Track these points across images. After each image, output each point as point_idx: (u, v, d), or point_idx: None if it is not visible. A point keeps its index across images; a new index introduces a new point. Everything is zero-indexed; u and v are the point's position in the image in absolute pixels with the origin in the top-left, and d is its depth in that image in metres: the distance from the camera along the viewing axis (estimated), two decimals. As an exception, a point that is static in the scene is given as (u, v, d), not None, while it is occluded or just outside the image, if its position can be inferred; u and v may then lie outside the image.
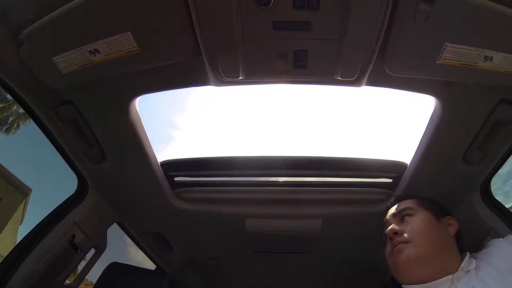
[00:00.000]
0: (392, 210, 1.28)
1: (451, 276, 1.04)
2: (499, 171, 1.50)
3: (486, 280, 1.01)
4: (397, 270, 1.12)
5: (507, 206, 1.53)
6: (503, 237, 1.22)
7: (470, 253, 1.18)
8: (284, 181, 1.85)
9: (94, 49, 1.03)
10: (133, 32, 0.99)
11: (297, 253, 2.22)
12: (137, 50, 1.03)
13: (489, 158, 1.42)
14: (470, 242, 1.24)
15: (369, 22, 0.93)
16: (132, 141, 1.44)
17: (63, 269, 1.62)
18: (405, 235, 1.13)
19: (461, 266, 1.06)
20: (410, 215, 1.20)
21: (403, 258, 1.09)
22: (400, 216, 1.22)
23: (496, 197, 1.56)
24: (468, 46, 0.99)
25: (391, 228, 1.17)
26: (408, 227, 1.16)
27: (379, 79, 1.19)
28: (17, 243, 1.52)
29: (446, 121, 1.32)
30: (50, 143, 1.45)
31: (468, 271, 1.05)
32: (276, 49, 1.05)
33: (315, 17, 0.94)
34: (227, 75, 1.13)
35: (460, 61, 1.02)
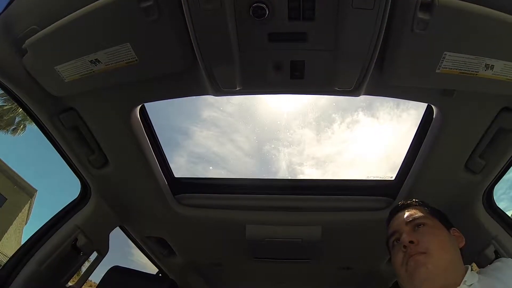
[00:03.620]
0: (403, 217, 1.23)
1: None
2: (505, 176, 1.47)
3: None
4: (411, 280, 1.08)
5: (512, 211, 1.51)
6: (505, 246, 1.21)
7: (478, 268, 1.17)
8: (284, 188, 1.85)
9: (95, 59, 1.05)
10: (132, 43, 1.01)
11: (297, 260, 2.21)
12: (136, 60, 1.05)
13: (492, 167, 1.40)
14: (472, 251, 1.21)
15: (364, 32, 0.93)
16: (134, 148, 1.46)
17: (65, 272, 1.63)
18: (421, 245, 1.10)
19: (464, 279, 1.04)
20: (423, 224, 1.17)
21: (422, 269, 1.05)
22: (412, 225, 1.18)
23: (502, 202, 1.57)
24: (468, 54, 0.98)
25: (406, 237, 1.13)
26: (425, 238, 1.12)
27: (378, 88, 1.19)
28: (21, 244, 1.54)
29: (447, 129, 1.31)
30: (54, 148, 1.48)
31: (471, 285, 1.03)
32: (272, 60, 1.06)
33: (311, 28, 0.95)
34: (225, 85, 1.14)
35: (460, 70, 1.00)
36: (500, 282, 1.01)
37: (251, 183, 1.86)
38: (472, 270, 1.10)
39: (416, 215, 1.22)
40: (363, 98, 1.22)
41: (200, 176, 1.96)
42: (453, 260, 1.09)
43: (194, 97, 1.29)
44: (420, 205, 1.27)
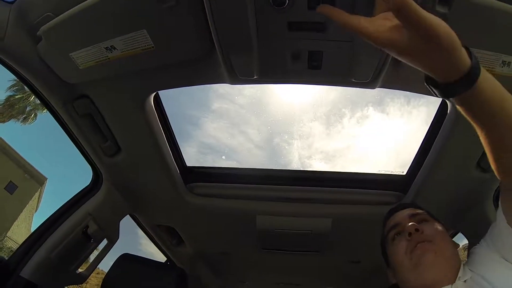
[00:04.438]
0: (406, 212, 1.24)
1: (450, 286, 1.02)
2: None
3: None
4: (416, 268, 1.07)
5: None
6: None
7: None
8: (296, 179, 1.85)
9: (110, 46, 1.05)
10: (149, 30, 1.00)
11: (306, 252, 2.22)
12: (152, 47, 1.04)
13: None
14: None
15: None
16: (147, 136, 1.47)
17: (75, 258, 1.65)
18: (427, 233, 1.10)
19: (459, 275, 1.04)
20: (426, 220, 1.17)
21: (430, 255, 1.05)
22: (416, 220, 1.18)
23: None
24: (486, 50, 0.96)
25: (412, 224, 1.13)
26: (430, 228, 1.13)
27: (394, 81, 1.18)
28: (31, 231, 1.55)
29: (460, 126, 1.29)
30: (67, 135, 1.49)
31: (465, 280, 1.03)
32: (291, 49, 1.05)
33: (330, 18, 0.94)
34: (242, 73, 1.13)
35: None
36: (480, 277, 1.01)
37: (263, 173, 1.86)
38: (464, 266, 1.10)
39: (419, 211, 1.23)
40: (375, 92, 1.21)
41: (212, 166, 1.96)
42: (454, 254, 1.10)
43: (206, 89, 1.28)
44: (420, 208, 1.27)
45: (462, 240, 1.77)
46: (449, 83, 0.71)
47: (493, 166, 0.88)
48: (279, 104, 2.12)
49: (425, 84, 0.75)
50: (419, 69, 0.72)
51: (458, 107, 0.78)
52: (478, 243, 1.12)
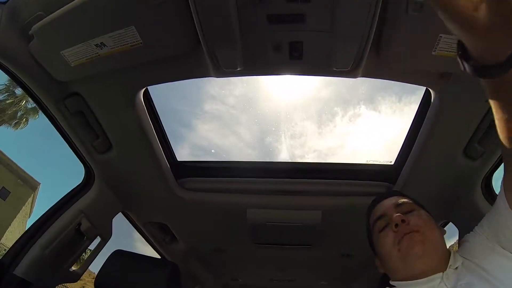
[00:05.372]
0: (391, 201, 1.22)
1: (441, 274, 1.03)
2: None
3: (470, 277, 0.99)
4: (404, 259, 1.07)
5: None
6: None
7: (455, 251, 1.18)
8: (285, 171, 1.87)
9: (100, 43, 1.08)
10: (137, 26, 1.03)
11: (298, 245, 2.23)
12: (141, 43, 1.08)
13: (490, 153, 1.42)
14: None
15: (359, 14, 0.96)
16: (137, 132, 1.49)
17: (69, 256, 1.66)
18: (414, 223, 1.09)
19: (450, 263, 1.05)
20: (412, 210, 1.16)
21: (418, 245, 1.04)
22: (402, 210, 1.16)
23: None
24: None
25: (398, 215, 1.11)
26: (416, 218, 1.12)
27: (375, 70, 1.21)
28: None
29: (445, 114, 1.32)
30: (59, 135, 1.51)
31: (456, 268, 1.04)
32: (272, 40, 1.09)
33: (308, 9, 0.97)
34: (226, 66, 1.17)
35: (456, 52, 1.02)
36: (474, 264, 1.02)
37: (253, 166, 1.89)
38: (455, 254, 1.11)
39: (405, 200, 1.22)
40: (365, 90, 1.24)
41: (202, 160, 1.99)
42: (441, 242, 1.10)
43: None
44: (405, 196, 1.27)
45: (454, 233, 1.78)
46: (499, 63, 0.59)
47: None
48: (270, 102, 2.15)
49: (461, 60, 0.63)
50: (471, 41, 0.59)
51: (486, 86, 0.71)
52: (470, 231, 1.12)
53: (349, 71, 1.17)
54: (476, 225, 1.11)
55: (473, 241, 1.09)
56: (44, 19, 1.06)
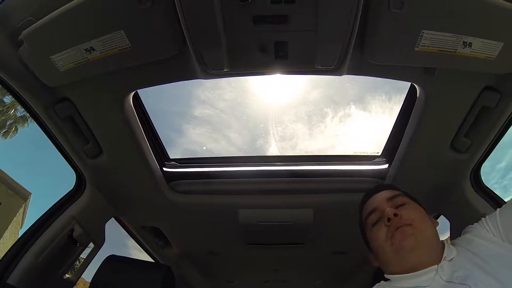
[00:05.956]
0: (383, 195, 1.24)
1: (435, 266, 1.04)
2: (498, 166, 1.50)
3: (467, 267, 1.00)
4: (398, 253, 1.08)
5: (505, 200, 1.47)
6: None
7: (451, 240, 1.19)
8: (276, 171, 1.88)
9: (89, 47, 1.09)
10: (126, 31, 1.04)
11: (291, 245, 2.24)
12: (129, 47, 1.08)
13: (477, 145, 1.44)
14: (462, 229, 1.23)
15: (342, 13, 0.97)
16: (127, 136, 1.50)
17: (62, 263, 1.65)
18: (406, 217, 1.11)
19: (444, 255, 1.06)
20: (404, 203, 1.18)
21: (410, 239, 1.06)
22: (394, 203, 1.18)
23: (495, 192, 1.57)
24: (445, 32, 1.01)
25: (390, 210, 1.13)
26: (408, 212, 1.13)
27: (359, 68, 1.23)
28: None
29: (430, 109, 1.34)
30: (49, 144, 1.51)
31: (451, 259, 1.05)
32: (257, 41, 1.11)
33: (292, 10, 0.99)
34: (213, 67, 1.18)
35: (438, 47, 1.04)
36: (472, 253, 1.04)
37: (244, 167, 1.90)
38: (450, 245, 1.13)
39: (396, 193, 1.24)
40: (356, 91, 1.26)
41: (193, 158, 2.00)
42: (434, 234, 1.12)
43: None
44: (397, 189, 1.29)
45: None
46: None
47: None
48: (259, 105, 2.16)
49: None
50: None
51: None
52: (465, 223, 1.16)
53: (334, 69, 1.19)
54: (467, 216, 1.12)
55: (476, 234, 1.12)
56: (34, 24, 1.06)
